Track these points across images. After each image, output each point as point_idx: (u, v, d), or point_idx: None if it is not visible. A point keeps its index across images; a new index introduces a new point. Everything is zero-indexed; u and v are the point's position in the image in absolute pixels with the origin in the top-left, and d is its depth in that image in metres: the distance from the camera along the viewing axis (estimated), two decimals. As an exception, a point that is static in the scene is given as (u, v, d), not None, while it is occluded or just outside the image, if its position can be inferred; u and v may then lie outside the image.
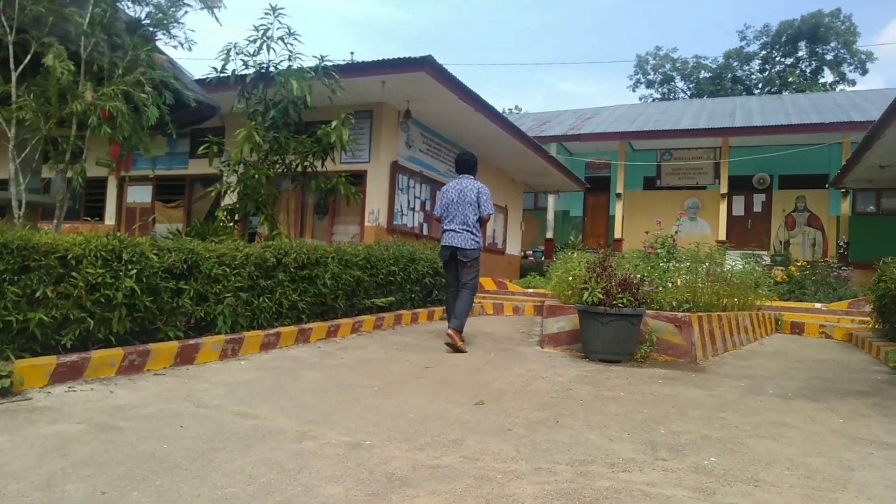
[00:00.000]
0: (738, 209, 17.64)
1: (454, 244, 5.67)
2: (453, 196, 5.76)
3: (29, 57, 4.90)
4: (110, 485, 2.22)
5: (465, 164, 5.97)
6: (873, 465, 2.81)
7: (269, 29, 7.10)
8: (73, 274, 3.72)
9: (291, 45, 7.16)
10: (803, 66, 35.42)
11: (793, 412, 3.82)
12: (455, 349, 5.42)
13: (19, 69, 4.94)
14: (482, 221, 5.80)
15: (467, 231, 5.68)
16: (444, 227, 5.79)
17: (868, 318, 7.65)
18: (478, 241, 5.74)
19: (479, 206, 5.72)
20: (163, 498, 2.14)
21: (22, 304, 3.49)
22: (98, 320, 3.84)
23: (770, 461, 2.83)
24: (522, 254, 17.12)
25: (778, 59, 36.21)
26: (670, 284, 6.64)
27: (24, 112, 4.88)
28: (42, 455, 2.45)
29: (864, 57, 34.06)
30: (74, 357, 3.61)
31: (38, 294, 3.53)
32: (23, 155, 5.09)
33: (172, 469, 2.39)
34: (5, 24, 4.85)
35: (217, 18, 5.82)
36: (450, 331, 5.48)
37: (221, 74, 7.22)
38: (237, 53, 7.17)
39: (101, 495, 2.13)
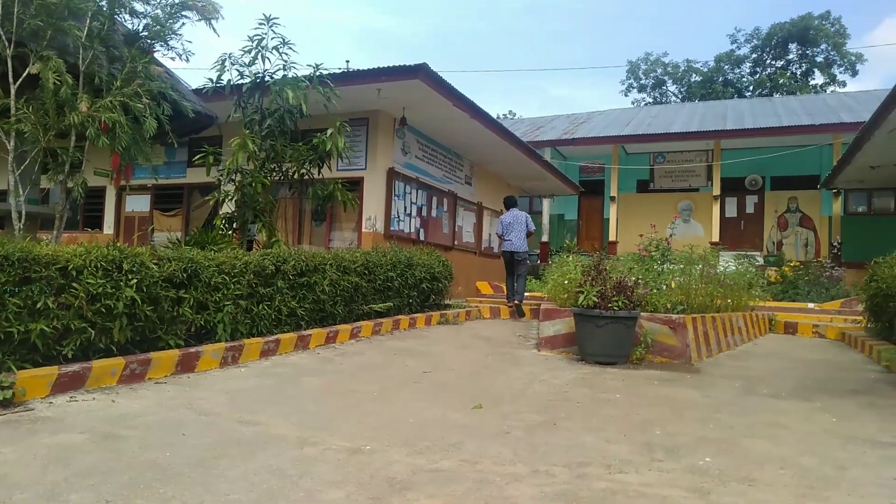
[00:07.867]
0: (731, 211, 17.72)
1: (512, 249, 9.12)
2: (510, 221, 9.24)
3: (28, 70, 4.93)
4: (114, 493, 2.24)
5: (512, 202, 9.65)
6: (866, 464, 2.86)
7: (263, 39, 7.12)
8: (74, 285, 3.75)
9: (286, 54, 7.19)
10: (794, 69, 35.62)
11: (787, 412, 3.88)
12: (521, 314, 9.11)
13: (18, 82, 4.97)
14: (529, 234, 9.23)
15: (520, 241, 9.13)
16: (505, 239, 9.22)
17: (860, 318, 7.72)
18: (526, 246, 9.21)
19: (526, 225, 9.20)
20: (168, 505, 2.17)
21: (23, 315, 3.51)
22: (99, 330, 3.87)
23: (764, 461, 2.87)
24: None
25: (768, 61, 36.43)
26: (665, 286, 6.70)
27: (22, 124, 4.91)
28: (45, 465, 2.47)
29: (853, 59, 34.26)
30: (76, 367, 3.63)
31: (38, 305, 3.56)
32: (22, 167, 5.11)
33: (175, 477, 2.42)
34: (3, 37, 4.89)
35: (215, 29, 5.85)
36: (515, 301, 9.20)
37: (217, 85, 7.24)
38: (232, 64, 7.19)
39: None
